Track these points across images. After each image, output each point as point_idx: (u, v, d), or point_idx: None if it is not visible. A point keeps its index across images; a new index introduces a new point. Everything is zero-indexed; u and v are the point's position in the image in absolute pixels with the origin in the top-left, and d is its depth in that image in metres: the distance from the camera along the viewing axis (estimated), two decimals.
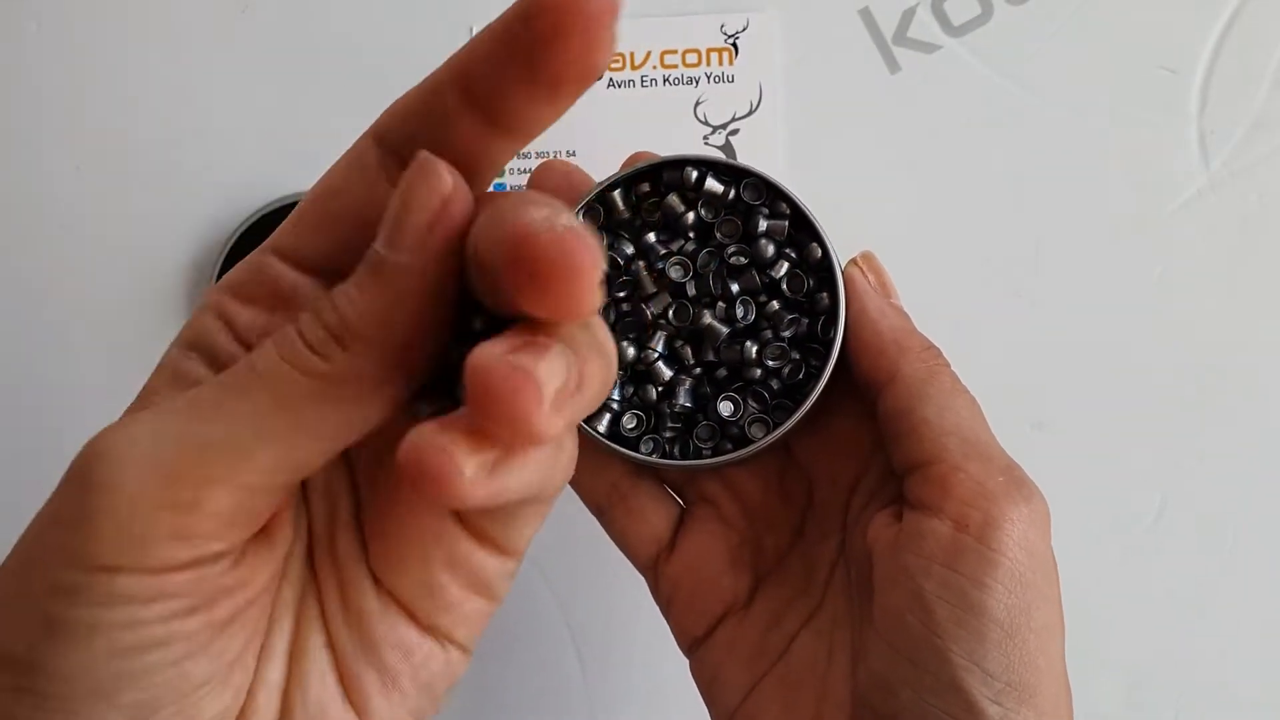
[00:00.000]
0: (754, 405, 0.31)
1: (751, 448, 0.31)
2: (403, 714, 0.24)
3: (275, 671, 0.23)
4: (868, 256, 0.32)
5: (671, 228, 0.32)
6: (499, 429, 0.17)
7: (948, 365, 0.30)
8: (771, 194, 0.31)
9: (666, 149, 0.32)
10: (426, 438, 0.17)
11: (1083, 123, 0.45)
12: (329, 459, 0.21)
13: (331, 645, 0.24)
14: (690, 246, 0.32)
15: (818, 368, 0.31)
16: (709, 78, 0.46)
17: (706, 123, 0.46)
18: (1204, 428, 0.44)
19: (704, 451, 0.32)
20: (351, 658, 0.23)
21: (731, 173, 0.32)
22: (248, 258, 0.23)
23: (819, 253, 0.31)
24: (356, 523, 0.24)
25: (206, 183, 0.46)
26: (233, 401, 0.20)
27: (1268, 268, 0.44)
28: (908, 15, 0.45)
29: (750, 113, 0.46)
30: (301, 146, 0.45)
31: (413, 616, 0.24)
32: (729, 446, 0.31)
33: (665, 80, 0.46)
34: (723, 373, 0.32)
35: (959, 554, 0.27)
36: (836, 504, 0.32)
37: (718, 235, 0.32)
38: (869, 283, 0.31)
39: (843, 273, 0.31)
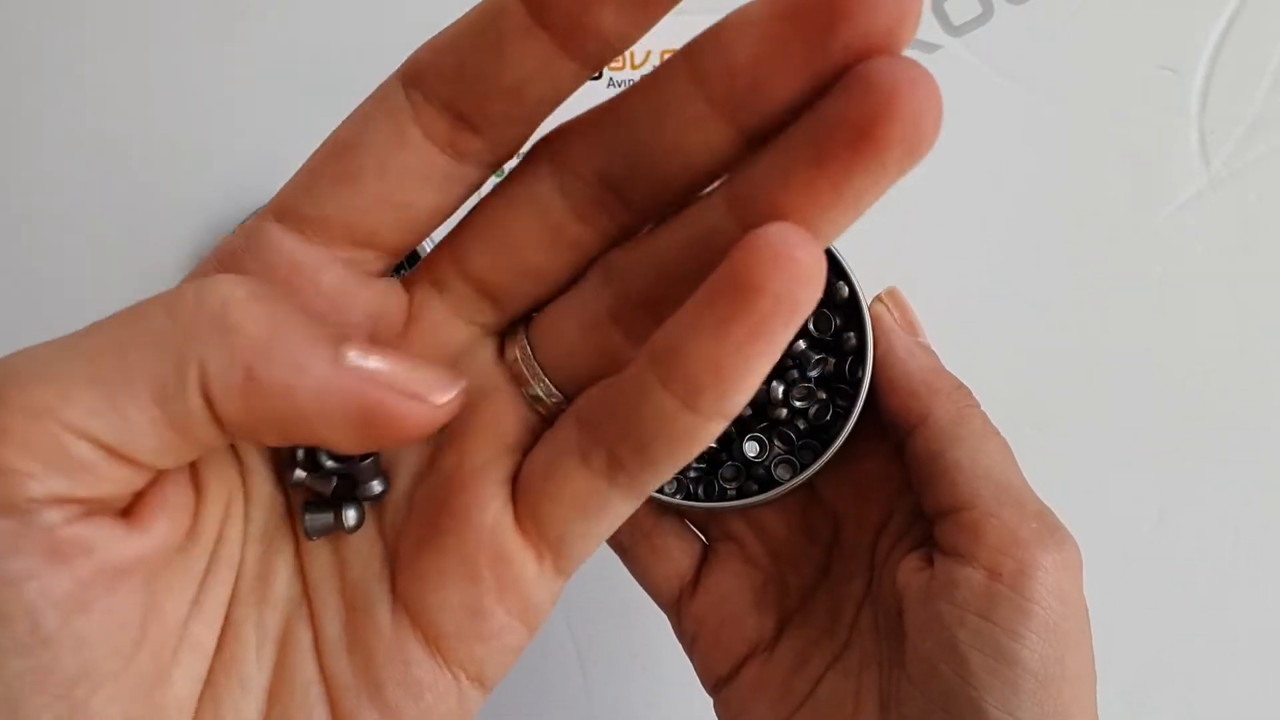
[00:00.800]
0: (780, 445, 0.31)
1: (777, 490, 0.30)
2: None
3: (250, 707, 0.20)
4: (893, 293, 0.31)
5: None
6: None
7: (978, 406, 0.29)
8: None
9: None
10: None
11: (1083, 122, 0.44)
12: (173, 448, 0.18)
13: (326, 681, 0.21)
14: None
15: (845, 408, 0.30)
16: None
17: None
18: (1205, 429, 0.44)
19: (729, 492, 0.31)
20: (351, 696, 0.20)
21: None
22: (244, 224, 0.20)
23: (845, 291, 0.30)
24: (380, 542, 0.22)
25: (207, 182, 0.45)
26: (93, 333, 0.17)
27: (1268, 267, 0.44)
28: None
29: None
30: (302, 146, 0.45)
31: (438, 647, 0.21)
32: (754, 487, 0.31)
33: None
34: (748, 412, 0.31)
35: (993, 603, 0.26)
36: (863, 544, 0.32)
37: None
38: (895, 320, 0.30)
39: (869, 311, 0.30)
